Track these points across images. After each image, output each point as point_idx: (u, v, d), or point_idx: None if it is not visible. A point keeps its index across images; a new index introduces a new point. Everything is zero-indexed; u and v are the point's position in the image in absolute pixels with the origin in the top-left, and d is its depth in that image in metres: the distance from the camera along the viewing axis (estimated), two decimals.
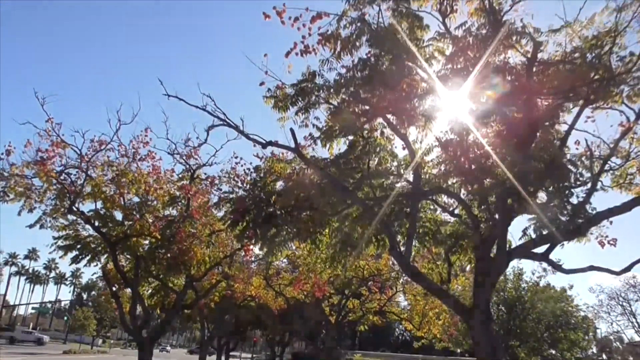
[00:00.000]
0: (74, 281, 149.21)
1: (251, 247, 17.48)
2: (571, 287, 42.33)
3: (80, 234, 17.57)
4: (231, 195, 12.17)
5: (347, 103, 9.66)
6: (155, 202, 18.65)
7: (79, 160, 15.96)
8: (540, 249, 11.33)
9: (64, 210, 15.88)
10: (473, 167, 10.92)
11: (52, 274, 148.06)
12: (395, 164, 12.45)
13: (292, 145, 9.97)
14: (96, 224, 16.47)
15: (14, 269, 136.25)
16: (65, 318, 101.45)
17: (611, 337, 61.77)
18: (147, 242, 18.35)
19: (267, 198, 11.29)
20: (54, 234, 17.59)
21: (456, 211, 13.06)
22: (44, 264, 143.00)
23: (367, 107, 9.91)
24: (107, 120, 15.76)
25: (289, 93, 9.52)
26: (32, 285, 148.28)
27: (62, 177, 15.99)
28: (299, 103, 9.41)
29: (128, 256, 19.72)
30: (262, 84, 9.55)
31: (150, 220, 17.11)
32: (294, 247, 17.30)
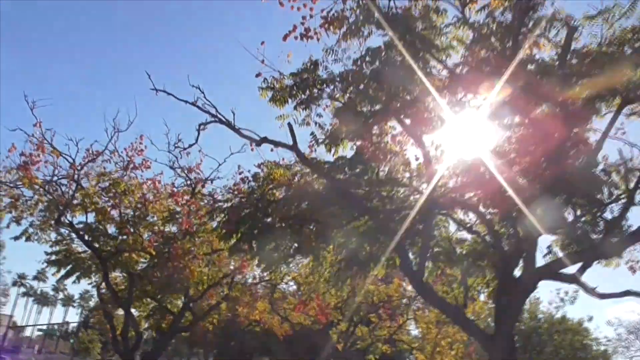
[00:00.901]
0: (81, 303, 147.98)
1: (247, 264, 16.30)
2: (590, 319, 40.26)
3: (72, 249, 16.55)
4: (225, 205, 11.06)
5: (354, 101, 8.60)
6: (154, 218, 17.70)
7: (71, 170, 15.05)
8: (568, 269, 10.07)
9: (52, 222, 14.90)
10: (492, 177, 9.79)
11: (61, 296, 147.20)
12: (407, 174, 11.31)
13: (290, 142, 8.88)
14: (87, 237, 15.45)
15: (22, 289, 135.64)
16: (72, 341, 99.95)
17: None
18: (142, 259, 17.32)
19: (265, 208, 10.18)
20: (47, 248, 16.69)
21: (474, 227, 11.84)
22: (53, 285, 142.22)
23: (377, 107, 8.83)
24: (104, 129, 14.88)
25: (288, 84, 8.48)
26: (39, 307, 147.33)
27: (52, 188, 15.09)
28: (300, 96, 8.36)
29: (125, 274, 18.67)
30: (258, 75, 8.55)
31: (145, 235, 16.05)
32: (296, 266, 16.12)
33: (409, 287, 29.88)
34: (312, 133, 9.00)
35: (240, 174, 11.45)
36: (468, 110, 9.14)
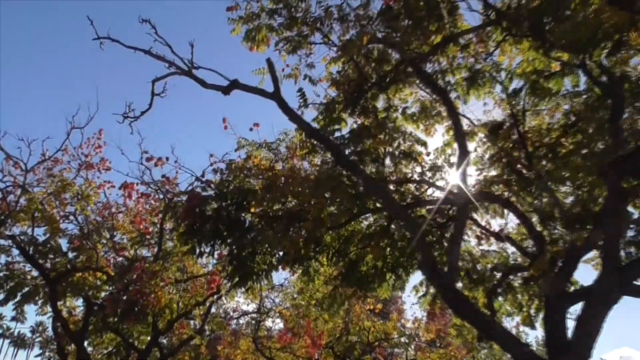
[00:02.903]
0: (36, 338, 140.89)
1: (219, 279, 13.64)
2: None
3: (13, 267, 13.87)
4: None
5: (359, 43, 6.39)
6: (123, 240, 15.24)
7: (18, 172, 12.65)
8: None
9: None
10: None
11: (39, 338, 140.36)
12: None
13: (270, 89, 6.58)
14: (31, 252, 12.83)
15: None
16: None
17: None
18: (101, 282, 14.66)
19: (240, 200, 7.77)
20: None
21: (502, 233, 9.47)
22: (31, 326, 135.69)
23: (390, 51, 6.63)
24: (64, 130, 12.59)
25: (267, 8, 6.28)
26: (15, 350, 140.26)
27: None
28: (284, 32, 6.15)
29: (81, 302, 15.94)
30: (231, 8, 6.37)
31: (102, 252, 13.48)
32: (281, 290, 13.54)
33: (409, 324, 27.06)
34: (300, 90, 6.76)
35: (212, 164, 9.04)
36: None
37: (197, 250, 7.52)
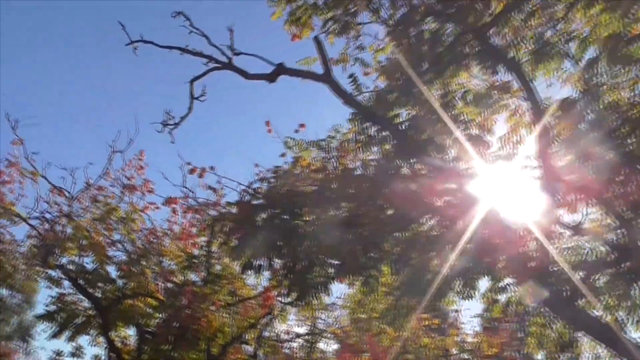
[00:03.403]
0: None
1: (272, 295, 13.02)
2: None
3: (64, 299, 13.68)
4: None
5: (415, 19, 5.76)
6: (171, 265, 14.93)
7: (64, 201, 12.54)
8: None
9: (38, 265, 12.19)
10: None
11: None
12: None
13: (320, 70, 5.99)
14: (81, 282, 12.60)
15: None
16: None
17: None
18: (151, 309, 14.32)
19: (291, 207, 7.18)
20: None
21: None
22: None
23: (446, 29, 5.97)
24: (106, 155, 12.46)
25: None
26: None
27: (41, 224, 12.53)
28: (329, 9, 5.59)
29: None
30: None
31: (151, 278, 13.14)
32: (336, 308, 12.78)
33: (469, 338, 25.68)
34: (351, 76, 6.16)
35: (258, 174, 8.48)
36: None
37: (254, 264, 6.94)
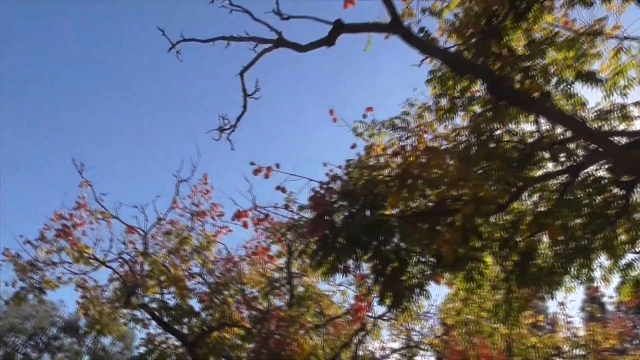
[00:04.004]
0: None
1: (364, 305, 12.04)
2: None
3: (154, 339, 13.44)
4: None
5: None
6: (252, 291, 14.45)
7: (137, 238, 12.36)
8: None
9: (122, 307, 11.99)
10: None
11: None
12: None
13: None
14: (165, 318, 12.28)
15: None
16: None
17: None
18: (239, 341, 13.80)
19: (372, 199, 6.31)
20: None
21: None
22: None
23: None
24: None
25: None
26: None
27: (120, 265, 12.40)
28: None
29: None
30: None
31: (234, 305, 12.63)
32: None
33: (581, 332, 23.38)
34: (422, 30, 5.26)
35: (329, 174, 7.63)
36: None
37: (339, 266, 6.12)
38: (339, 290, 16.13)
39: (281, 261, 15.56)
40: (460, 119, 6.18)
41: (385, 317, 14.10)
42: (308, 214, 6.79)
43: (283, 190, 6.89)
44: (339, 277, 6.69)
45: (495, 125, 5.55)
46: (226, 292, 13.04)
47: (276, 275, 15.47)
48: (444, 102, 5.98)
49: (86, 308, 12.46)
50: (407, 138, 6.39)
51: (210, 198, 12.27)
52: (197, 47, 6.09)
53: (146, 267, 11.86)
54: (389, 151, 6.51)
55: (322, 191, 6.36)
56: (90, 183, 11.58)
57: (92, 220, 11.60)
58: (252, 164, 6.75)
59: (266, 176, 6.80)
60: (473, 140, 5.67)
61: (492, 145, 5.72)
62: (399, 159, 6.43)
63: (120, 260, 12.27)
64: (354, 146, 7.33)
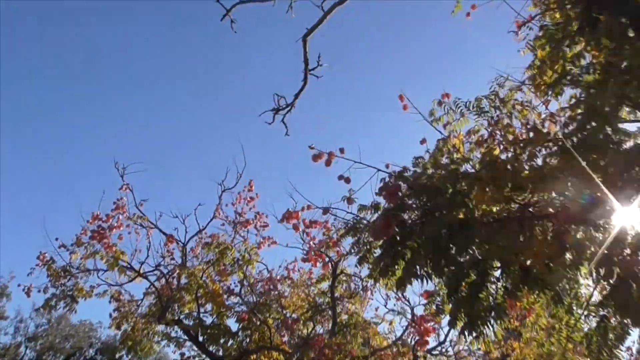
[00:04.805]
0: None
1: (432, 328, 10.75)
2: None
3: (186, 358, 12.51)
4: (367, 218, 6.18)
5: None
6: (293, 316, 13.51)
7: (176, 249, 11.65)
8: None
9: (155, 321, 11.17)
10: None
11: None
12: None
13: None
14: (200, 338, 11.35)
15: None
16: None
17: None
18: None
19: (450, 192, 5.32)
20: None
21: None
22: None
23: None
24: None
25: None
26: None
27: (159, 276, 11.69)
28: None
29: None
30: None
31: (274, 327, 11.61)
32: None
33: None
34: None
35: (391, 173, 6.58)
36: None
37: (418, 272, 5.10)
38: (385, 320, 15.01)
39: (325, 285, 14.63)
40: (567, 98, 5.16)
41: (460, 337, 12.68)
42: (370, 215, 5.84)
43: (347, 180, 5.95)
44: (414, 286, 5.60)
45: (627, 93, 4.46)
46: (266, 313, 12.07)
47: (319, 300, 14.50)
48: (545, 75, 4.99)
49: (119, 322, 11.72)
50: (496, 123, 5.41)
51: (254, 206, 11.48)
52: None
53: (183, 279, 11.06)
54: (472, 139, 5.54)
55: (394, 181, 5.42)
56: (130, 187, 11.00)
57: (129, 224, 10.96)
58: (311, 147, 5.88)
59: (327, 163, 5.90)
60: (584, 120, 4.63)
61: (610, 129, 4.64)
62: (484, 149, 5.44)
63: (157, 272, 11.54)
64: (423, 141, 6.39)
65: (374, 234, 5.45)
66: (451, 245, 5.40)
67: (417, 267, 5.20)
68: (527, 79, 5.25)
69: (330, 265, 13.35)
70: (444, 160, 5.67)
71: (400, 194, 5.23)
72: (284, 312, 13.29)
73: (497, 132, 5.41)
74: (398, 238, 5.28)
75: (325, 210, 6.55)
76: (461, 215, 5.77)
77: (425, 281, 5.24)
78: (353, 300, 15.16)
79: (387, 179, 5.39)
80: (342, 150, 5.92)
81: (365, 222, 6.17)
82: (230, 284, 11.94)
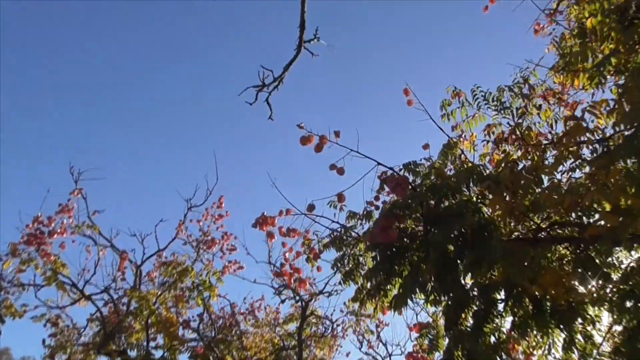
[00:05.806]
0: None
1: None
2: None
3: None
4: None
5: None
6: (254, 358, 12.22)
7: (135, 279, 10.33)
8: None
9: (95, 351, 9.68)
10: None
11: None
12: None
13: None
14: None
15: None
16: None
17: None
18: None
19: (462, 196, 4.42)
20: None
21: None
22: None
23: None
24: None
25: None
26: None
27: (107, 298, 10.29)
28: None
29: None
30: None
31: None
32: None
33: None
34: None
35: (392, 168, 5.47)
36: None
37: (426, 286, 4.11)
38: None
39: (292, 326, 13.46)
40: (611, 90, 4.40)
41: None
42: (360, 224, 4.88)
43: (340, 171, 4.97)
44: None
45: None
46: (225, 351, 10.71)
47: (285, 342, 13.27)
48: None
49: (54, 352, 10.15)
50: (520, 118, 4.60)
51: (223, 226, 10.30)
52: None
53: (133, 304, 9.68)
54: (489, 138, 4.72)
55: (399, 173, 4.50)
56: (84, 194, 9.73)
57: (74, 231, 9.58)
58: (300, 126, 4.93)
59: (318, 148, 4.93)
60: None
61: None
62: (501, 149, 4.61)
63: (105, 295, 10.14)
64: (425, 146, 5.53)
65: (372, 238, 4.46)
66: (458, 262, 4.47)
67: (420, 282, 4.19)
68: (558, 67, 4.53)
69: (301, 304, 12.21)
70: (449, 171, 4.80)
71: (410, 186, 4.30)
72: (246, 353, 11.95)
73: (518, 131, 4.60)
74: (396, 249, 4.32)
75: (311, 207, 5.53)
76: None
77: (434, 296, 4.22)
78: (321, 345, 13.92)
79: (389, 173, 4.47)
80: (337, 134, 4.99)
81: (354, 233, 5.20)
82: (188, 316, 10.57)
